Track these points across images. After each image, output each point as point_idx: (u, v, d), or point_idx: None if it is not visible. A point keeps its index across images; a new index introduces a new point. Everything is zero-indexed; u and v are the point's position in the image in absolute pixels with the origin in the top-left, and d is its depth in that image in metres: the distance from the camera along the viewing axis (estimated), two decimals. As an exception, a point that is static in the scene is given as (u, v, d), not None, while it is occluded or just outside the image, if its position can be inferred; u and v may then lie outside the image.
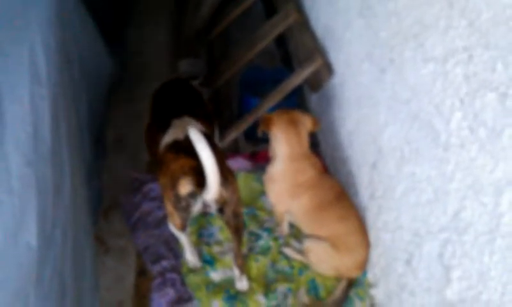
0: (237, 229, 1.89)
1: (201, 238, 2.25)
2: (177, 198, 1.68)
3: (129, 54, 3.39)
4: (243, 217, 1.89)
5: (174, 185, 1.66)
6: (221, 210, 1.79)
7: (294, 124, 2.09)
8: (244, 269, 2.03)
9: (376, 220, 2.00)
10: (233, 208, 1.80)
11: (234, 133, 2.61)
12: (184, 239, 2.00)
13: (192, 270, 2.12)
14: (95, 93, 2.09)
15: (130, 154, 2.74)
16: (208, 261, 2.16)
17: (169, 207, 1.77)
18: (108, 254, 2.27)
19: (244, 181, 2.51)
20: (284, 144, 2.09)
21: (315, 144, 2.86)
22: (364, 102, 2.07)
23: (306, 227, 2.15)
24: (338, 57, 2.37)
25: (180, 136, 1.80)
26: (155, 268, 2.13)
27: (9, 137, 1.21)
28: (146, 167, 2.63)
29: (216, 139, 2.40)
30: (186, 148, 1.72)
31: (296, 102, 2.90)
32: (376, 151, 1.95)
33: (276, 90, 2.57)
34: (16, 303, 1.11)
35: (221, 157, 1.79)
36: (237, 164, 2.58)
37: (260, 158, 2.72)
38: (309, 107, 2.96)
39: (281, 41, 3.30)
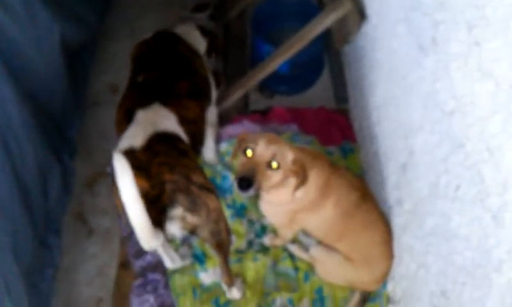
0: (220, 247, 1.53)
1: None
2: (129, 226, 1.32)
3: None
4: (227, 232, 1.50)
5: (122, 212, 1.29)
6: (192, 232, 1.43)
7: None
8: (232, 283, 1.71)
9: (402, 235, 1.56)
10: (209, 228, 1.43)
11: (240, 92, 2.13)
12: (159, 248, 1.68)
13: (180, 269, 1.83)
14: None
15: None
16: (199, 257, 1.85)
17: None
18: (91, 237, 2.01)
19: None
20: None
21: (343, 99, 2.34)
22: (396, 79, 1.51)
23: (323, 238, 1.73)
24: (372, 2, 1.76)
25: (138, 142, 1.38)
26: (138, 263, 1.86)
27: None
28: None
29: (212, 109, 1.96)
30: (141, 163, 1.32)
31: (321, 47, 2.33)
32: (407, 152, 1.45)
33: (294, 38, 2.01)
34: None
35: (192, 165, 1.40)
36: (242, 128, 2.14)
37: (274, 117, 2.25)
38: (339, 51, 2.38)
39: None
